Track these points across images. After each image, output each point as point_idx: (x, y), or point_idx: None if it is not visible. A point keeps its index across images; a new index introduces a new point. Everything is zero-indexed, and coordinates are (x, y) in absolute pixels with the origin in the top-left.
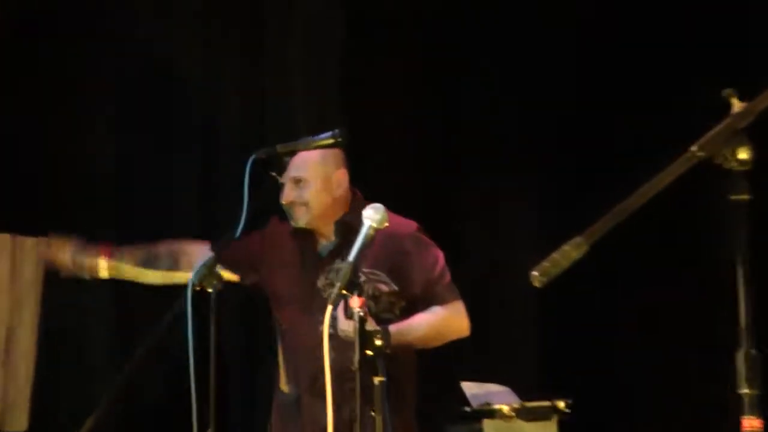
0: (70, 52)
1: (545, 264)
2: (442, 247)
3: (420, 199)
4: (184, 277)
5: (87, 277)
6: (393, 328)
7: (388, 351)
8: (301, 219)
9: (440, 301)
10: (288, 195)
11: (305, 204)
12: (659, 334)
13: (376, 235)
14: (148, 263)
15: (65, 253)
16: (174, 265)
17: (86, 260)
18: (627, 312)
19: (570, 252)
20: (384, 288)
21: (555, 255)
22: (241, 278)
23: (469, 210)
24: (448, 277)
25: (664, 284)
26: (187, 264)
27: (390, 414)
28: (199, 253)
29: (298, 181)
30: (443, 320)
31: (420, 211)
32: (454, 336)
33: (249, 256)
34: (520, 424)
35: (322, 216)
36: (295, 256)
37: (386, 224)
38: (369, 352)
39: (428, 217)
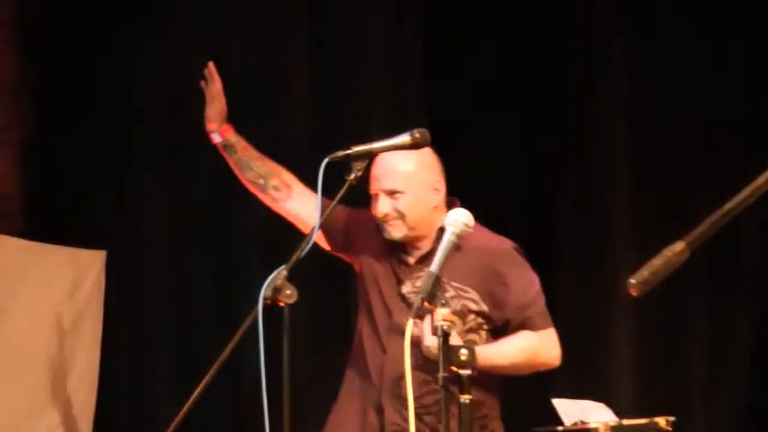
0: None
1: (644, 271)
2: (537, 266)
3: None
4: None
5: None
6: (480, 349)
7: (473, 372)
8: (397, 232)
9: (533, 326)
10: (383, 207)
11: (401, 217)
12: None
13: (470, 249)
14: (243, 164)
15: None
16: (261, 181)
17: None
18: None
19: (671, 258)
20: (473, 306)
21: (655, 261)
22: (332, 246)
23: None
24: (542, 301)
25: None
26: (273, 188)
27: None
28: (298, 192)
29: (392, 193)
30: (535, 348)
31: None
32: (544, 367)
33: (345, 228)
34: None
35: (419, 228)
36: (385, 254)
37: (470, 230)
38: (454, 369)
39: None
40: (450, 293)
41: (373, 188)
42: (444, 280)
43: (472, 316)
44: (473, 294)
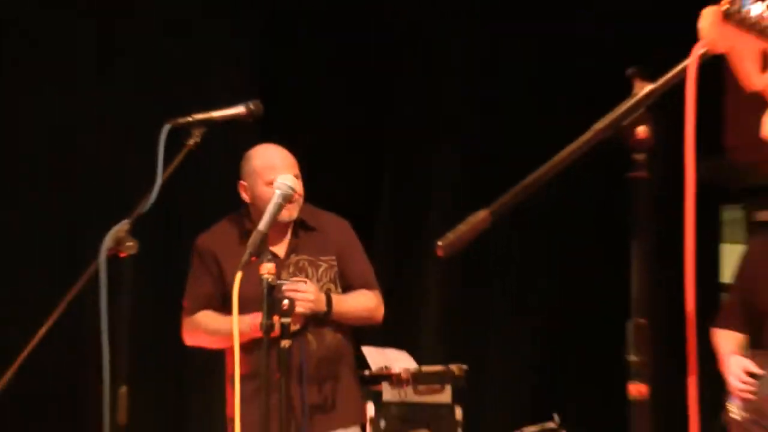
0: None
1: (450, 235)
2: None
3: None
4: None
5: None
6: (335, 296)
7: (327, 317)
8: (295, 211)
9: (371, 287)
10: (298, 187)
11: (301, 196)
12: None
13: (326, 226)
14: None
15: None
16: None
17: None
18: (528, 282)
19: (475, 224)
20: (334, 267)
21: (460, 226)
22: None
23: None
24: (369, 265)
25: (566, 257)
26: None
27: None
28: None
29: (297, 176)
30: (372, 304)
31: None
32: (373, 321)
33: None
34: (417, 387)
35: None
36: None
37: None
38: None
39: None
40: (323, 266)
41: (279, 173)
42: (316, 256)
43: (332, 274)
44: (333, 259)
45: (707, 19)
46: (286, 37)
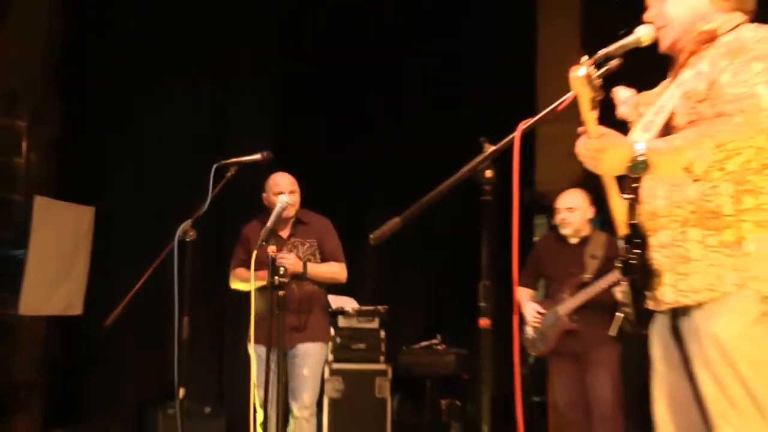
0: None
1: (377, 231)
2: None
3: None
4: None
5: None
6: (310, 264)
7: (305, 274)
8: (293, 211)
9: (338, 260)
10: (292, 201)
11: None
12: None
13: (313, 222)
14: None
15: None
16: None
17: None
18: (423, 258)
19: (392, 225)
20: (314, 247)
21: (384, 226)
22: None
23: None
24: (341, 247)
25: (448, 242)
26: None
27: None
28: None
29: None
30: (335, 270)
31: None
32: (338, 281)
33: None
34: (358, 319)
35: None
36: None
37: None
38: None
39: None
40: (305, 245)
41: (281, 190)
42: (304, 239)
43: (312, 250)
44: (314, 242)
45: (577, 75)
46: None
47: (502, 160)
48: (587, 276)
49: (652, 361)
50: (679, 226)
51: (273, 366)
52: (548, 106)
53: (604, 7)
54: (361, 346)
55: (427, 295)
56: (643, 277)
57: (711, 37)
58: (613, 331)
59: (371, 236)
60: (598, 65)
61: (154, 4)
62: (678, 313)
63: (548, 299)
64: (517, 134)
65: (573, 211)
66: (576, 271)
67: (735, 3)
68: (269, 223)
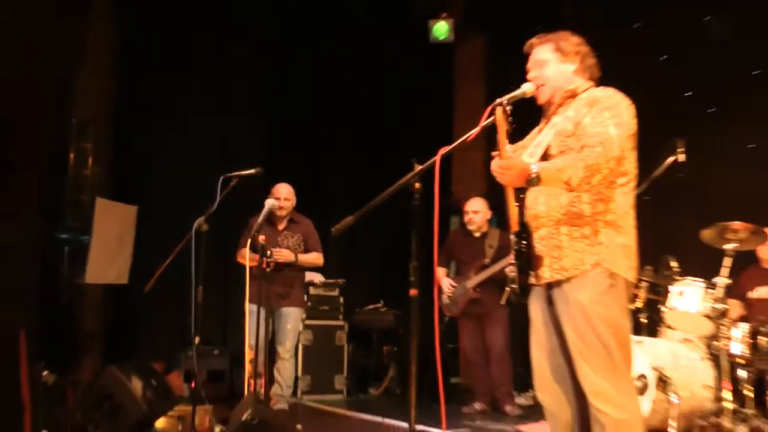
0: None
1: (338, 226)
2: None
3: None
4: None
5: None
6: (299, 255)
7: (297, 262)
8: (285, 212)
9: (318, 251)
10: (281, 204)
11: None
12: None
13: (300, 222)
14: None
15: None
16: None
17: None
18: (369, 247)
19: (346, 222)
20: (300, 241)
21: (342, 222)
22: None
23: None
24: (319, 241)
25: (388, 235)
26: None
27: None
28: None
29: (287, 199)
30: (315, 258)
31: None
32: (317, 266)
33: None
34: (324, 289)
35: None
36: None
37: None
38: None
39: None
40: (294, 238)
41: (276, 196)
42: (294, 234)
43: (300, 243)
44: (300, 237)
45: (500, 111)
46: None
47: (427, 175)
48: (486, 260)
49: (531, 321)
50: (554, 225)
51: (262, 321)
52: (461, 137)
53: (504, 71)
54: (326, 308)
55: (374, 272)
56: (528, 261)
57: (573, 94)
58: (503, 301)
59: (333, 229)
60: (495, 110)
61: (181, 62)
62: (552, 286)
63: (458, 276)
64: (437, 157)
65: (477, 213)
66: (479, 257)
67: (587, 74)
68: (260, 219)
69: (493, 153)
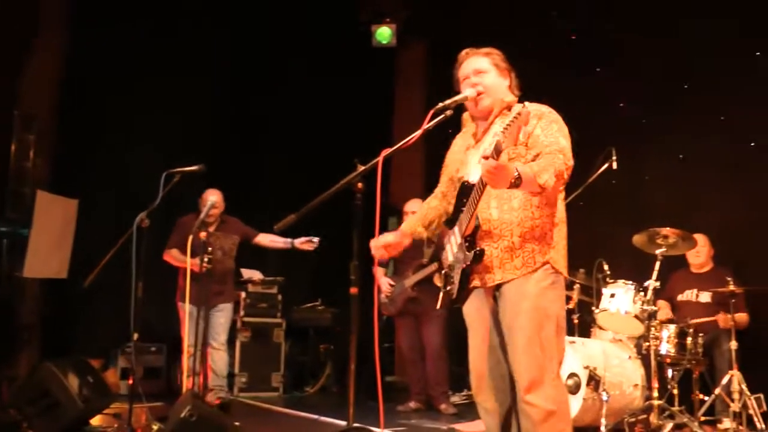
0: None
1: (280, 223)
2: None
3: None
4: None
5: None
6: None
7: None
8: (217, 212)
9: (258, 232)
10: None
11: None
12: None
13: (229, 224)
14: None
15: None
16: None
17: None
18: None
19: (288, 219)
20: (236, 242)
21: (284, 220)
22: None
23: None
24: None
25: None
26: None
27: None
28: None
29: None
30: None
31: None
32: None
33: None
34: (263, 286)
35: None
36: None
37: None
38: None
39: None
40: (228, 239)
41: (210, 197)
42: (227, 234)
43: (234, 242)
44: (237, 238)
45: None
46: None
47: (368, 176)
48: (424, 260)
49: (468, 323)
50: (506, 227)
51: (201, 319)
52: (401, 139)
53: (443, 77)
54: (264, 305)
55: (312, 271)
56: (477, 264)
57: (509, 107)
58: (438, 305)
59: (275, 226)
60: (438, 113)
61: (126, 58)
62: (500, 286)
63: (396, 275)
64: (380, 158)
65: (415, 214)
66: (416, 256)
67: (515, 90)
68: (202, 215)
69: (485, 155)
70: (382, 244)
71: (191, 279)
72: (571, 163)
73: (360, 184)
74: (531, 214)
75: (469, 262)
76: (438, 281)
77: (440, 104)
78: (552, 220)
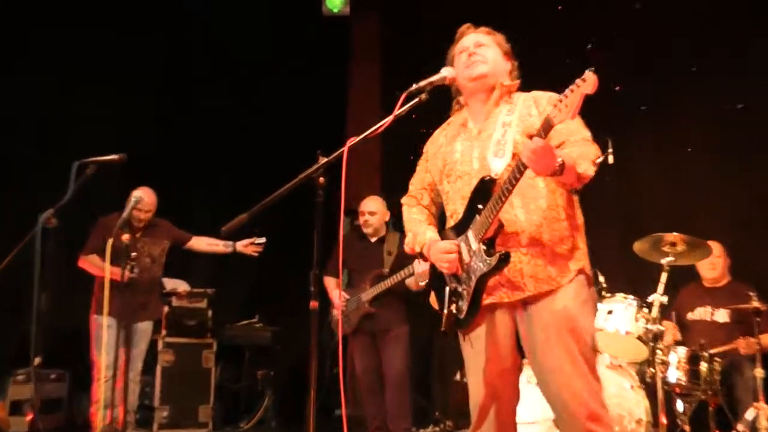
0: None
1: (228, 224)
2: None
3: None
4: None
5: None
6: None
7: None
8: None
9: (190, 235)
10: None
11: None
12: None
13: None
14: None
15: None
16: None
17: None
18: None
19: (239, 219)
20: (165, 248)
21: (234, 220)
22: None
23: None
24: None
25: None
26: None
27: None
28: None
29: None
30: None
31: None
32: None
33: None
34: (190, 299)
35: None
36: None
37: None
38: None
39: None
40: (157, 246)
41: (137, 196)
42: (156, 240)
43: (163, 248)
44: (166, 243)
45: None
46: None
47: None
48: (385, 270)
49: (472, 345)
50: (535, 230)
51: (120, 337)
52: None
53: (400, 52)
54: (191, 323)
55: (249, 281)
56: (498, 270)
57: (509, 92)
58: (443, 327)
59: (223, 228)
60: (410, 97)
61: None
62: (529, 300)
63: (351, 287)
64: (345, 149)
65: (373, 214)
66: (375, 265)
67: (514, 78)
68: (125, 213)
69: (530, 133)
70: (444, 249)
71: (112, 289)
72: (600, 152)
73: (322, 179)
74: (558, 214)
75: (490, 270)
76: (434, 303)
77: (414, 86)
78: (576, 222)
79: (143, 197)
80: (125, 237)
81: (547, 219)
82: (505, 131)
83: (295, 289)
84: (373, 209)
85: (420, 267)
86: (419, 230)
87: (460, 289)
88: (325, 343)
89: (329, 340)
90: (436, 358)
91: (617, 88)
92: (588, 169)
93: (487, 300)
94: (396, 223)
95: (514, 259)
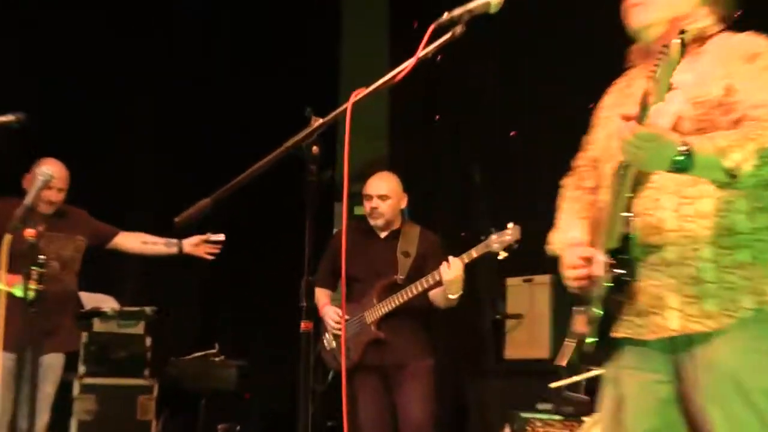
0: None
1: (184, 213)
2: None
3: None
4: None
5: None
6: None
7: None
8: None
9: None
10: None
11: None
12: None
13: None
14: None
15: None
16: None
17: None
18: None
19: (200, 206)
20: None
21: (191, 208)
22: None
23: None
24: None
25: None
26: None
27: None
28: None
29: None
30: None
31: None
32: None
33: None
34: (120, 322)
35: None
36: None
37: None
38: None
39: None
40: (72, 241)
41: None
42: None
43: (78, 245)
44: (83, 239)
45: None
46: None
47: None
48: (399, 277)
49: (609, 395)
50: (689, 243)
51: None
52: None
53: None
54: (122, 355)
55: (204, 296)
56: (627, 298)
57: (701, 38)
58: (563, 361)
59: (176, 219)
60: (444, 29)
61: None
62: (680, 342)
63: (352, 303)
64: (349, 105)
65: (386, 199)
66: (386, 271)
67: (718, 9)
68: (28, 199)
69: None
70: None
71: (9, 308)
72: None
73: (315, 147)
74: (732, 223)
75: (612, 293)
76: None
77: (446, 15)
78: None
79: (54, 173)
80: (30, 232)
81: (713, 229)
82: (670, 97)
83: (273, 305)
84: (384, 191)
85: (451, 273)
86: (563, 226)
87: (590, 311)
88: (314, 383)
89: (322, 379)
90: (474, 407)
91: None
92: (743, 163)
93: (619, 331)
94: (414, 211)
95: (657, 282)
